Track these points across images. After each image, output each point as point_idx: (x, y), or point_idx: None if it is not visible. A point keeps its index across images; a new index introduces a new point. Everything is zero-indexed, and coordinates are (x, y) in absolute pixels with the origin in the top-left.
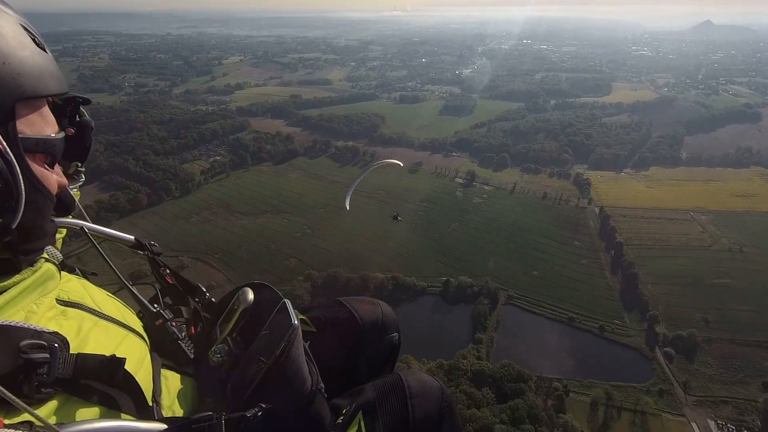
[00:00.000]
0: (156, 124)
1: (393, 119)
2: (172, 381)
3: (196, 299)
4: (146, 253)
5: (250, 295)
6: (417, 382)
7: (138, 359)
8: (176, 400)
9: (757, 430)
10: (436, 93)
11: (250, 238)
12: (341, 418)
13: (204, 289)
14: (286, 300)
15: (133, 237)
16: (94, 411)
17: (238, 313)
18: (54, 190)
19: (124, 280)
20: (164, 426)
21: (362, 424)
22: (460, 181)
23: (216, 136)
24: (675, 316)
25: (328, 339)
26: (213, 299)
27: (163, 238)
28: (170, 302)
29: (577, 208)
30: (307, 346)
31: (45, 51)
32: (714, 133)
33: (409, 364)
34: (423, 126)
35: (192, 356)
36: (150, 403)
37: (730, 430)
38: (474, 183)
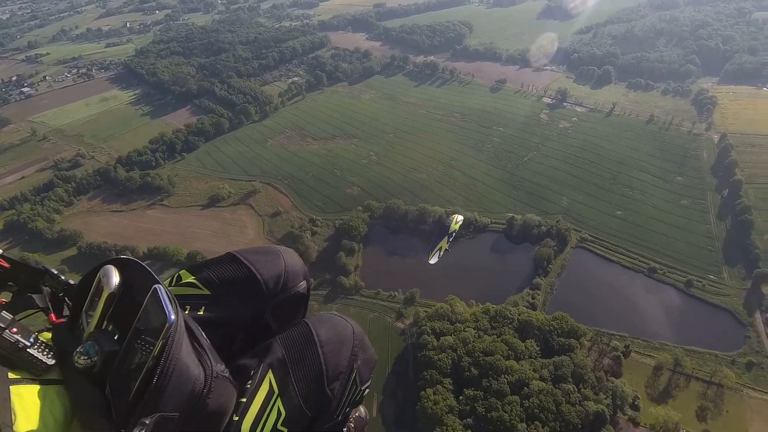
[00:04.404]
0: (241, 44)
1: (481, 27)
2: (28, 397)
3: (46, 285)
4: None
5: (115, 278)
6: (326, 329)
7: None
8: (39, 417)
9: None
10: None
11: (318, 163)
12: (249, 382)
13: (55, 272)
14: (157, 286)
15: None
16: None
17: (103, 300)
18: None
19: None
20: None
21: (273, 383)
22: (548, 100)
23: (295, 54)
24: None
25: (227, 299)
26: (70, 281)
27: (241, 162)
28: (12, 290)
29: (689, 134)
30: (201, 314)
31: None
32: None
33: (456, 305)
34: (515, 34)
35: (49, 362)
36: None
37: None
38: (564, 103)
